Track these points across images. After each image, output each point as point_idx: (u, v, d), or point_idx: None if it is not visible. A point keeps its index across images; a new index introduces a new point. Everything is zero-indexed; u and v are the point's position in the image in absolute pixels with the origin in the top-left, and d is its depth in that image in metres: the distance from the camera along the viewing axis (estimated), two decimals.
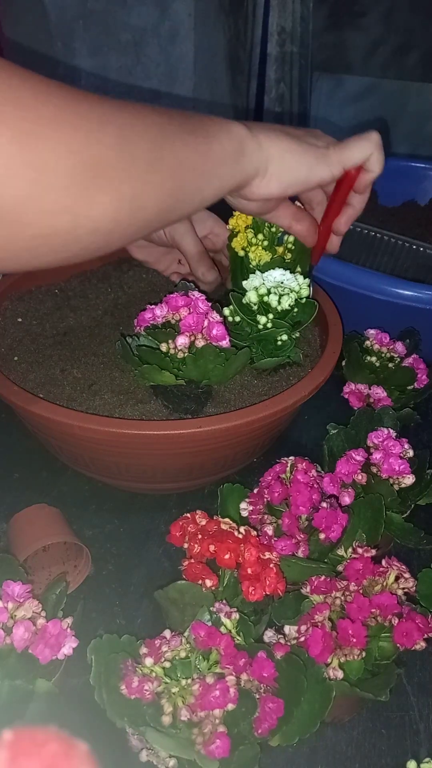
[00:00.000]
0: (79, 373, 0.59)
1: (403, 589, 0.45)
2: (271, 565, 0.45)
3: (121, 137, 0.39)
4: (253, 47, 1.64)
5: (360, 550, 0.47)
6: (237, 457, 0.58)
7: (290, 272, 0.57)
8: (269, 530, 0.48)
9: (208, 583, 0.44)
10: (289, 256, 0.60)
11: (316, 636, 0.41)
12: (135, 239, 0.45)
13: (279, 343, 0.57)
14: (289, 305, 0.56)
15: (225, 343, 0.54)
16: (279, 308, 0.56)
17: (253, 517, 0.51)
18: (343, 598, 0.44)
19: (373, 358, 0.68)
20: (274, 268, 0.57)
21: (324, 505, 0.49)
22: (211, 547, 0.44)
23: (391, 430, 0.55)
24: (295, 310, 0.57)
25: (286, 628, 0.45)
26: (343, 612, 0.43)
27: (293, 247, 0.60)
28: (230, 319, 0.58)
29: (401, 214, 0.98)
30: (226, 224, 0.61)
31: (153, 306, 0.56)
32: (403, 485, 0.53)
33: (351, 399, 0.66)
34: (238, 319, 0.58)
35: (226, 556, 0.44)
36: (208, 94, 1.61)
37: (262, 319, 0.56)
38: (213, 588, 0.44)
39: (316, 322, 0.62)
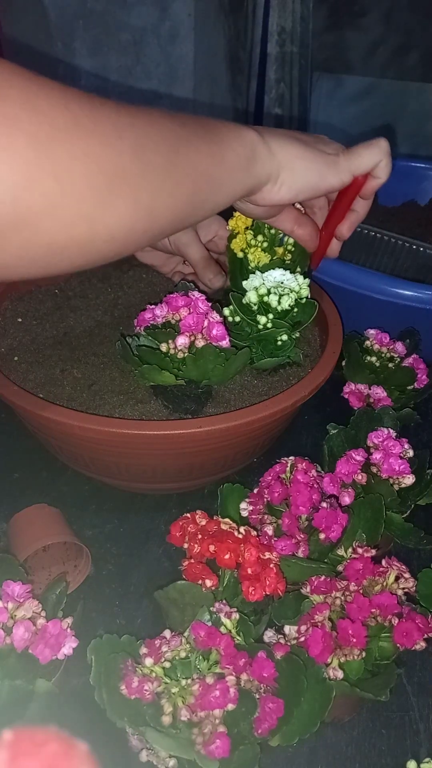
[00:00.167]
0: (79, 373, 0.59)
1: (403, 589, 0.45)
2: (271, 565, 0.45)
3: (137, 145, 0.39)
4: (253, 47, 1.65)
5: (360, 550, 0.47)
6: (237, 457, 0.58)
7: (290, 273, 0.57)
8: (269, 530, 0.48)
9: (208, 583, 0.44)
10: (288, 257, 0.60)
11: (316, 636, 0.41)
12: (148, 245, 0.45)
13: (279, 343, 0.57)
14: (289, 305, 0.56)
15: (225, 343, 0.54)
16: (279, 308, 0.56)
17: (253, 517, 0.51)
18: (343, 598, 0.44)
19: (373, 358, 0.68)
20: (273, 270, 0.57)
21: (324, 505, 0.49)
22: (211, 547, 0.44)
23: (391, 430, 0.55)
24: (295, 310, 0.57)
25: (286, 628, 0.45)
26: (343, 612, 0.43)
27: (293, 249, 0.60)
28: (230, 319, 0.58)
29: (401, 214, 0.98)
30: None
31: (153, 306, 0.56)
32: (403, 485, 0.53)
33: (351, 399, 0.66)
34: (238, 319, 0.58)
35: (226, 556, 0.44)
36: (208, 94, 1.61)
37: (262, 319, 0.56)
38: (213, 588, 0.44)
39: (316, 322, 0.62)
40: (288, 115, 1.71)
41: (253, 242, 0.59)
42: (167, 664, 0.40)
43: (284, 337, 0.57)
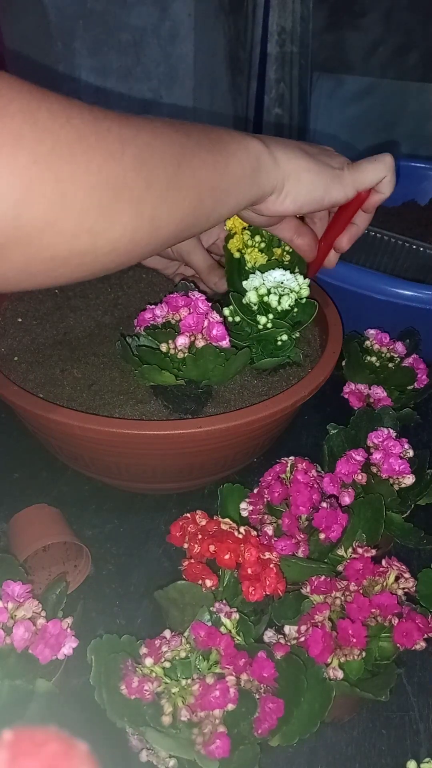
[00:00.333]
0: (79, 373, 0.59)
1: (403, 589, 0.44)
2: (271, 565, 0.45)
3: (141, 158, 0.39)
4: (253, 47, 1.65)
5: (360, 550, 0.47)
6: (237, 457, 0.58)
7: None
8: (269, 530, 0.48)
9: (208, 583, 0.44)
10: (287, 258, 0.60)
11: (316, 636, 0.41)
12: (152, 255, 0.45)
13: (279, 343, 0.57)
14: (289, 305, 0.56)
15: (225, 343, 0.54)
16: (279, 308, 0.56)
17: (253, 517, 0.51)
18: (343, 598, 0.44)
19: (373, 358, 0.68)
20: (272, 270, 0.57)
21: (324, 505, 0.49)
22: (211, 547, 0.44)
23: (391, 430, 0.55)
24: (295, 310, 0.57)
25: (286, 628, 0.45)
26: (343, 612, 0.43)
27: (291, 250, 0.60)
28: (230, 319, 0.58)
29: (401, 214, 0.98)
30: None
31: (153, 306, 0.56)
32: (403, 485, 0.53)
33: (351, 399, 0.66)
34: (238, 319, 0.58)
35: (226, 556, 0.44)
36: (208, 94, 1.61)
37: (262, 319, 0.56)
38: (213, 588, 0.44)
39: (316, 322, 0.62)
40: (288, 115, 1.71)
41: (250, 243, 0.59)
42: (167, 664, 0.40)
43: (284, 337, 0.57)
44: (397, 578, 0.45)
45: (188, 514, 0.48)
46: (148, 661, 0.40)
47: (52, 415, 0.50)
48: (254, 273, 0.57)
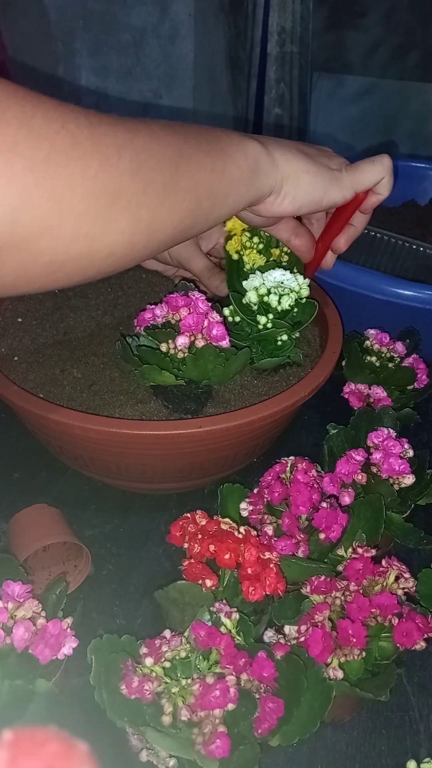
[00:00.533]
0: (79, 373, 0.59)
1: (403, 589, 0.45)
2: (271, 565, 0.45)
3: (137, 162, 0.39)
4: (253, 47, 1.65)
5: (360, 550, 0.47)
6: (237, 457, 0.58)
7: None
8: (269, 530, 0.48)
9: (208, 583, 0.44)
10: (285, 259, 0.60)
11: (316, 636, 0.41)
12: (150, 257, 0.45)
13: (279, 343, 0.57)
14: (289, 305, 0.56)
15: (225, 343, 0.54)
16: (279, 308, 0.56)
17: (253, 517, 0.51)
18: (343, 598, 0.44)
19: (373, 358, 0.68)
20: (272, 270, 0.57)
21: (324, 505, 0.49)
22: (211, 547, 0.44)
23: (391, 430, 0.55)
24: (295, 310, 0.57)
25: (286, 628, 0.45)
26: (343, 612, 0.43)
27: (289, 251, 0.60)
28: (230, 319, 0.58)
29: (401, 214, 0.98)
30: None
31: (153, 306, 0.56)
32: (403, 485, 0.53)
33: (351, 399, 0.66)
34: (238, 319, 0.58)
35: (226, 556, 0.44)
36: (208, 94, 1.61)
37: (262, 319, 0.56)
38: (213, 588, 0.44)
39: (316, 322, 0.62)
40: (288, 115, 1.71)
41: (248, 244, 0.59)
42: (167, 664, 0.40)
43: (284, 337, 0.57)
44: (397, 578, 0.45)
45: (188, 514, 0.48)
46: (148, 661, 0.40)
47: (52, 415, 0.50)
48: (254, 274, 0.57)
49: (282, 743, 0.40)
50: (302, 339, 0.63)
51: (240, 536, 0.45)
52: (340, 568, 0.47)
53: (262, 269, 0.58)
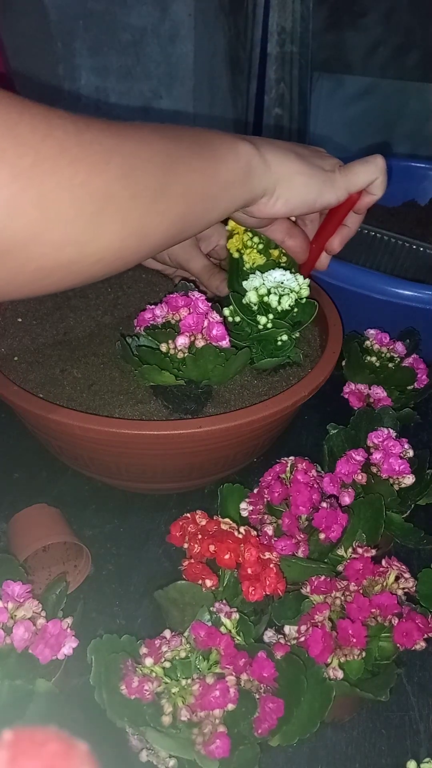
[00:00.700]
0: (79, 373, 0.59)
1: (403, 589, 0.45)
2: (271, 565, 0.45)
3: (126, 167, 0.38)
4: (253, 47, 1.65)
5: (360, 550, 0.47)
6: (237, 457, 0.58)
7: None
8: (269, 530, 0.48)
9: (208, 583, 0.44)
10: (284, 259, 0.60)
11: (316, 636, 0.41)
12: (143, 260, 0.45)
13: (279, 343, 0.57)
14: (289, 305, 0.56)
15: (225, 343, 0.54)
16: (279, 308, 0.56)
17: (253, 517, 0.51)
18: (343, 598, 0.44)
19: (373, 358, 0.68)
20: (271, 270, 0.57)
21: (324, 505, 0.49)
22: (211, 547, 0.44)
23: (391, 430, 0.55)
24: (295, 310, 0.57)
25: (286, 628, 0.45)
26: (343, 612, 0.43)
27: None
28: (230, 319, 0.58)
29: (401, 214, 0.98)
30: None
31: (153, 306, 0.56)
32: (403, 485, 0.53)
33: (351, 399, 0.66)
34: (238, 319, 0.58)
35: (226, 556, 0.44)
36: (208, 94, 1.61)
37: (262, 320, 0.56)
38: (213, 588, 0.44)
39: (316, 322, 0.62)
40: (288, 115, 1.71)
41: (249, 243, 0.59)
42: (167, 664, 0.40)
43: (284, 337, 0.57)
44: (397, 578, 0.45)
45: (188, 514, 0.48)
46: (148, 661, 0.40)
47: (52, 415, 0.50)
48: (253, 273, 0.57)
49: (282, 743, 0.40)
50: (302, 339, 0.63)
51: (240, 536, 0.45)
52: (340, 568, 0.47)
53: (262, 269, 0.58)
